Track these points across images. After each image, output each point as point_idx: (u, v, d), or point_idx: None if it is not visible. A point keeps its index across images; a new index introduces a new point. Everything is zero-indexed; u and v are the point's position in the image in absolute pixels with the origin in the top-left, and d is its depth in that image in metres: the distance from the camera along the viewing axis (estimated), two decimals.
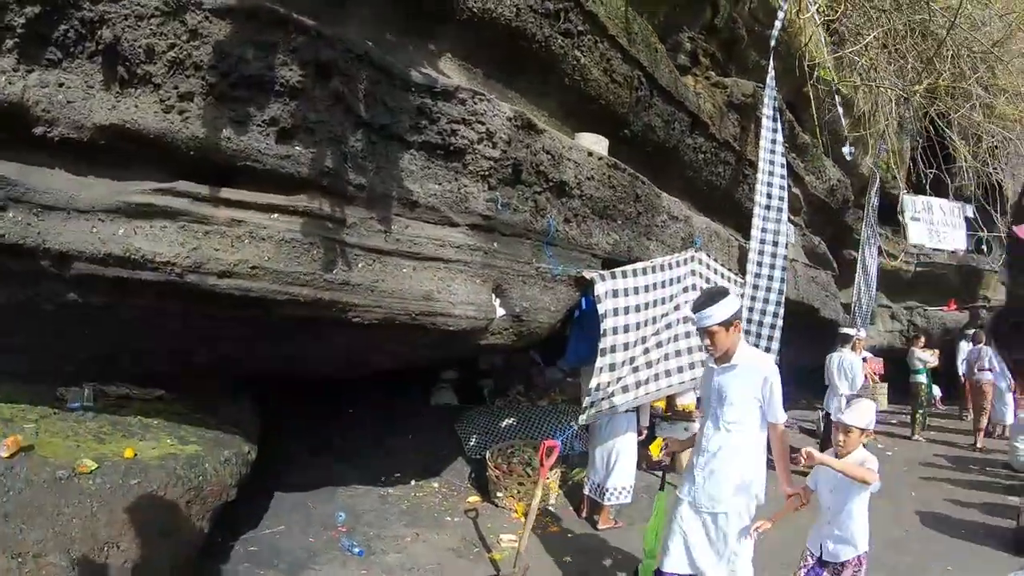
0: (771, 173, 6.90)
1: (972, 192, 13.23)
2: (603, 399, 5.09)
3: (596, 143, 5.16)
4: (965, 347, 11.72)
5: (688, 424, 7.27)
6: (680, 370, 5.71)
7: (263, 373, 5.32)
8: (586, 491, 5.81)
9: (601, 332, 4.99)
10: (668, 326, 5.53)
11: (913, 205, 13.48)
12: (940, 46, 9.54)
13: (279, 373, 5.52)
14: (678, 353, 5.68)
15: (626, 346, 5.17)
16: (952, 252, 13.39)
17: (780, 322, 6.75)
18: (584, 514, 5.88)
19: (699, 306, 3.42)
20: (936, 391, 12.09)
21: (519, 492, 5.78)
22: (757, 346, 6.60)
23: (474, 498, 6.05)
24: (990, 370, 10.12)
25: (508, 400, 7.86)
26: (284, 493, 5.25)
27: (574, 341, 5.83)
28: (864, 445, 3.64)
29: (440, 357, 6.63)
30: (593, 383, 5.00)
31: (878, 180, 11.51)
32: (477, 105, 4.00)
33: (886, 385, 9.44)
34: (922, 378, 10.43)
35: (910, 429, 10.47)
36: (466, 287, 4.18)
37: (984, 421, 10.02)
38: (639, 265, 5.33)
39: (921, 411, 10.43)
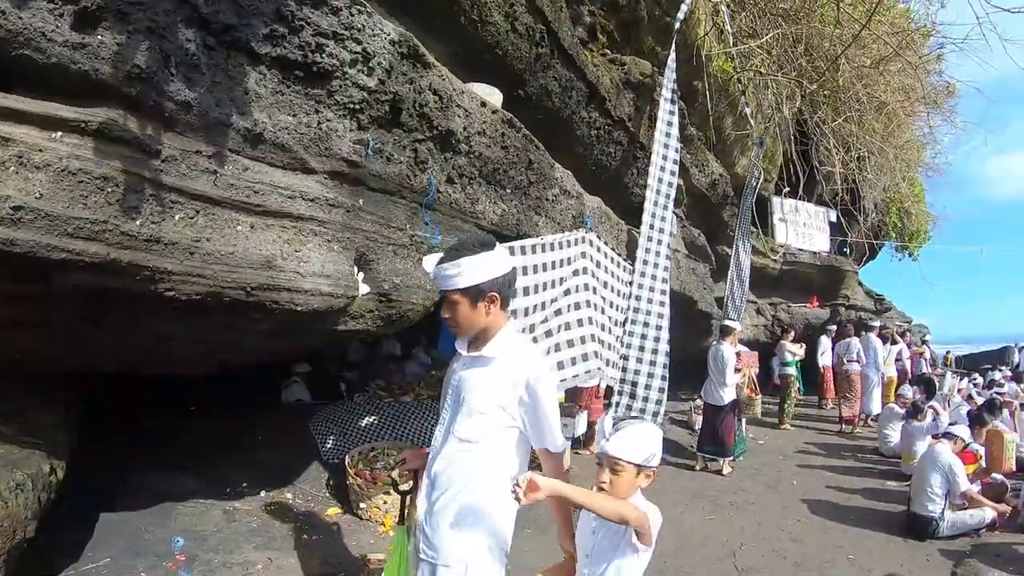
0: (664, 157, 6.52)
1: (839, 197, 13.82)
2: None
3: (490, 95, 4.45)
4: (825, 341, 12.31)
5: (567, 420, 6.75)
6: (573, 362, 5.14)
7: (82, 366, 4.12)
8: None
9: None
10: (558, 312, 4.94)
11: (782, 207, 13.89)
12: (832, 60, 9.78)
13: (94, 368, 4.27)
14: (570, 343, 5.11)
15: None
16: (816, 253, 13.93)
17: (667, 311, 6.39)
18: None
19: (444, 258, 2.29)
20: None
21: (386, 503, 5.01)
22: (645, 337, 6.19)
23: (334, 510, 5.25)
24: (857, 361, 10.82)
25: (368, 396, 6.98)
26: (112, 515, 4.24)
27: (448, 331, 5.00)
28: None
29: (289, 349, 5.35)
30: None
31: (755, 179, 11.64)
32: (355, 18, 3.15)
33: (759, 398, 9.58)
34: (791, 370, 10.92)
35: (778, 418, 10.80)
36: (321, 254, 3.31)
37: (856, 408, 10.68)
38: (528, 242, 4.67)
39: (789, 401, 10.83)
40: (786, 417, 10.72)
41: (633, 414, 6.21)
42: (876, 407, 11.05)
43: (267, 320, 3.28)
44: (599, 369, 5.48)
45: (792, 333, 11.59)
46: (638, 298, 6.23)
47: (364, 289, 3.60)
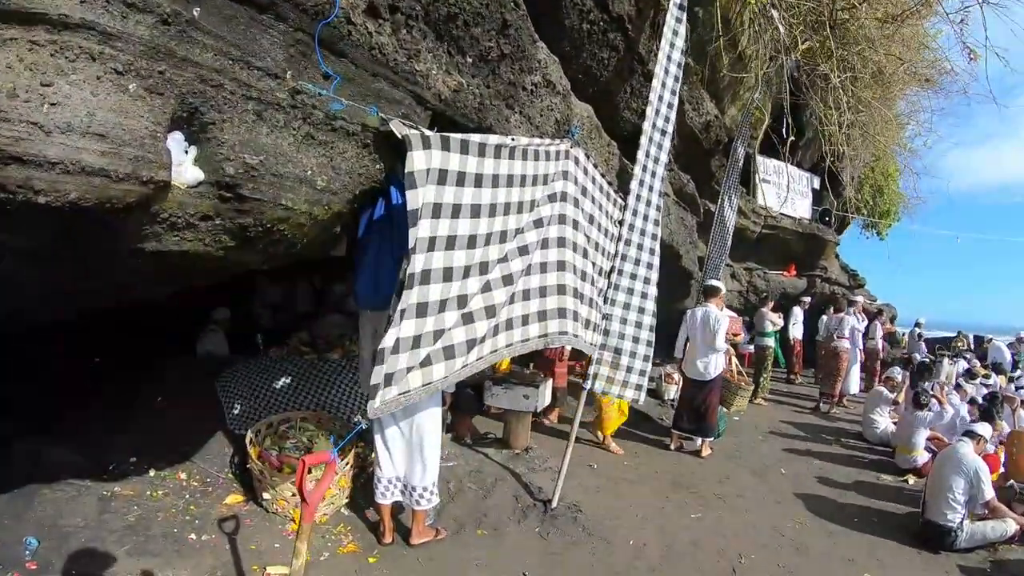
0: (667, 72, 4.94)
1: (826, 164, 12.53)
2: (408, 371, 2.73)
3: None
4: (798, 313, 11.22)
5: (529, 390, 5.28)
6: (540, 318, 3.63)
7: None
8: (379, 497, 3.71)
9: (410, 246, 2.61)
10: (523, 251, 3.36)
11: (766, 167, 12.48)
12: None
13: None
14: (541, 292, 3.62)
15: (451, 275, 2.84)
16: (797, 219, 12.62)
17: (657, 263, 4.93)
18: (384, 532, 3.85)
19: None
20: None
21: (294, 495, 3.74)
22: (632, 293, 4.73)
23: (235, 497, 4.01)
24: (848, 339, 9.73)
25: (287, 350, 5.53)
26: None
27: (368, 268, 3.26)
28: None
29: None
30: (388, 341, 2.61)
31: (748, 128, 10.17)
32: None
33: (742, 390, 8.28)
34: (770, 341, 9.87)
35: (752, 393, 9.44)
36: (93, 94, 1.72)
37: (838, 386, 9.59)
38: (492, 139, 3.00)
39: (766, 375, 9.78)
40: (761, 391, 9.60)
41: (614, 389, 4.75)
42: (854, 387, 10.17)
43: None
44: (574, 335, 3.97)
45: (772, 302, 10.28)
46: (628, 243, 4.71)
47: (192, 174, 1.96)
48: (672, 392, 8.17)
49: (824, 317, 10.75)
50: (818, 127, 11.97)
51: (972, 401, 7.54)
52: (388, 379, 2.63)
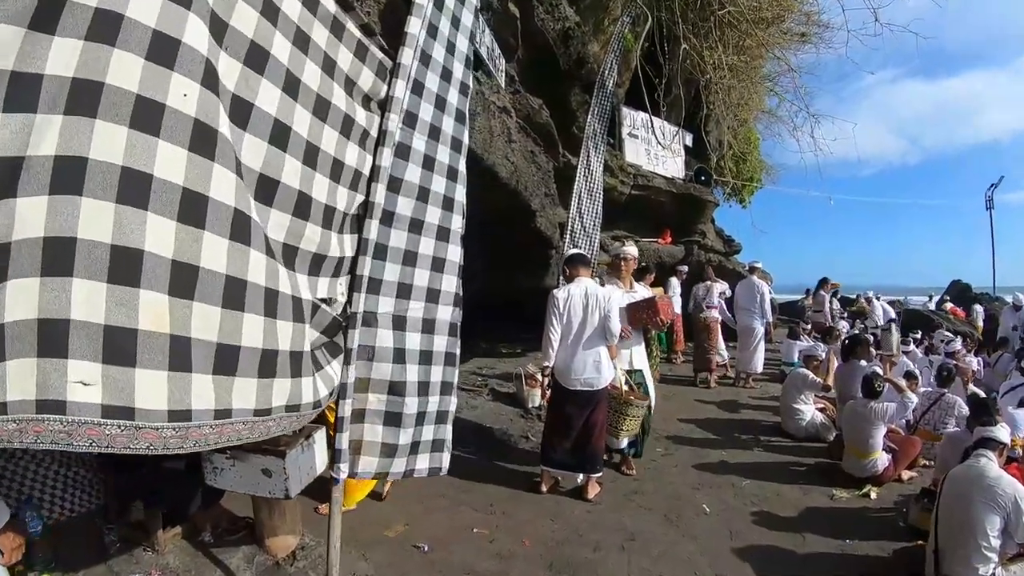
0: None
1: (702, 114, 10.71)
2: None
3: None
4: (675, 283, 9.55)
5: (270, 462, 2.66)
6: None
7: None
8: None
9: None
10: None
11: (632, 120, 10.44)
12: None
13: None
14: None
15: None
16: (671, 179, 10.65)
17: (460, 196, 2.44)
18: None
19: None
20: None
21: None
22: (409, 259, 2.19)
23: None
24: (716, 308, 8.47)
25: None
26: None
27: None
28: None
29: None
30: None
31: (614, 65, 7.97)
32: None
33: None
34: None
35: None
36: None
37: (714, 360, 8.38)
38: None
39: (652, 360, 7.36)
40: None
41: (374, 465, 2.23)
42: (760, 364, 8.35)
43: None
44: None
45: (652, 275, 8.19)
46: (404, 154, 2.17)
47: None
48: (537, 398, 5.85)
49: (675, 285, 9.46)
50: (693, 70, 10.14)
51: (909, 375, 5.70)
52: None
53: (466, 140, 2.37)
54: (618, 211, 10.18)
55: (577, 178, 7.25)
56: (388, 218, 2.12)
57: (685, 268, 9.91)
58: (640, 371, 4.70)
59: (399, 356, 2.22)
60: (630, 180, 9.99)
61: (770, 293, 9.01)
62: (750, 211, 16.97)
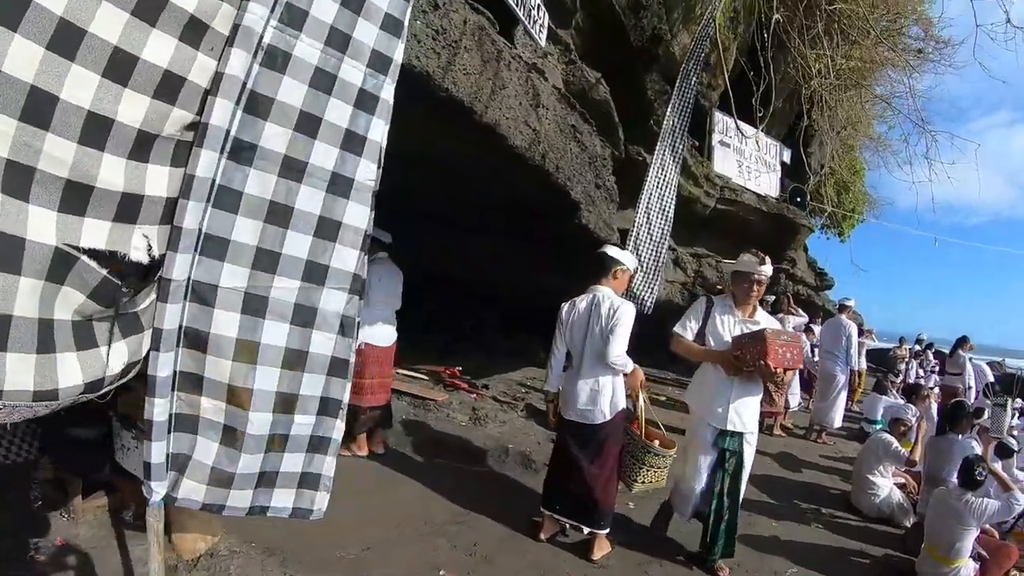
0: None
1: (801, 127, 9.48)
2: None
3: None
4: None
5: None
6: None
7: None
8: None
9: None
10: None
11: (725, 126, 9.35)
12: None
13: None
14: None
15: None
16: (763, 197, 9.48)
17: None
18: None
19: None
20: None
21: None
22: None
23: None
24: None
25: None
26: None
27: None
28: None
29: None
30: None
31: (701, 54, 6.99)
32: None
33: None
34: None
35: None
36: None
37: (780, 403, 6.92)
38: None
39: None
40: None
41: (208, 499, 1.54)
42: (839, 418, 7.09)
43: None
44: None
45: (789, 306, 7.28)
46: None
47: None
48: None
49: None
50: (796, 74, 8.96)
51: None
52: None
53: (398, 59, 1.63)
54: (699, 225, 9.16)
55: (648, 177, 6.36)
56: (243, 152, 1.43)
57: (771, 299, 8.68)
58: (739, 435, 3.29)
59: (248, 352, 1.52)
60: (716, 192, 8.89)
61: (860, 336, 7.75)
62: (849, 246, 15.41)
